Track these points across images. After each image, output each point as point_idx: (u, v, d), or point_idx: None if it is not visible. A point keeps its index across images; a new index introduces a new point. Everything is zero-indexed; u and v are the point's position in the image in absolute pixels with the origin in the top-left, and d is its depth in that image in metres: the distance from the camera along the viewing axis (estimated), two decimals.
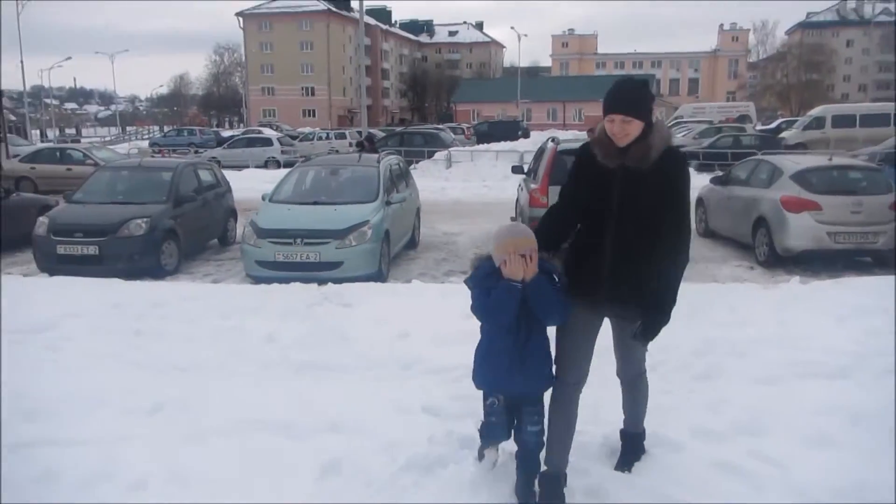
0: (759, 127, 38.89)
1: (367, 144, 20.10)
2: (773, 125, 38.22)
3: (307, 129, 46.70)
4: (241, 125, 75.58)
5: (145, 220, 9.08)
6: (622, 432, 3.40)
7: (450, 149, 24.35)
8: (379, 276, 8.48)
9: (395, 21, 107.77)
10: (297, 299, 6.51)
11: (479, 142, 31.02)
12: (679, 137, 31.76)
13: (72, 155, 19.74)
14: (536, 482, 3.04)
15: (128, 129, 78.14)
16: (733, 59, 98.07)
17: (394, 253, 9.68)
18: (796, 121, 34.09)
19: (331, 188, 9.79)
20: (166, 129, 56.48)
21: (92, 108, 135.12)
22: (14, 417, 3.83)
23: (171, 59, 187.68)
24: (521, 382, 2.91)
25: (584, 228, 3.02)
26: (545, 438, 3.02)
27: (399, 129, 39.23)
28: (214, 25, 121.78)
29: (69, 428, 3.77)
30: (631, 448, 3.36)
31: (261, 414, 3.83)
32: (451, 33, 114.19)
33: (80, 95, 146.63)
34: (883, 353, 4.64)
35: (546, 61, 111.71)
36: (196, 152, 33.17)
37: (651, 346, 3.08)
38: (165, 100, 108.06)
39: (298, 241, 8.33)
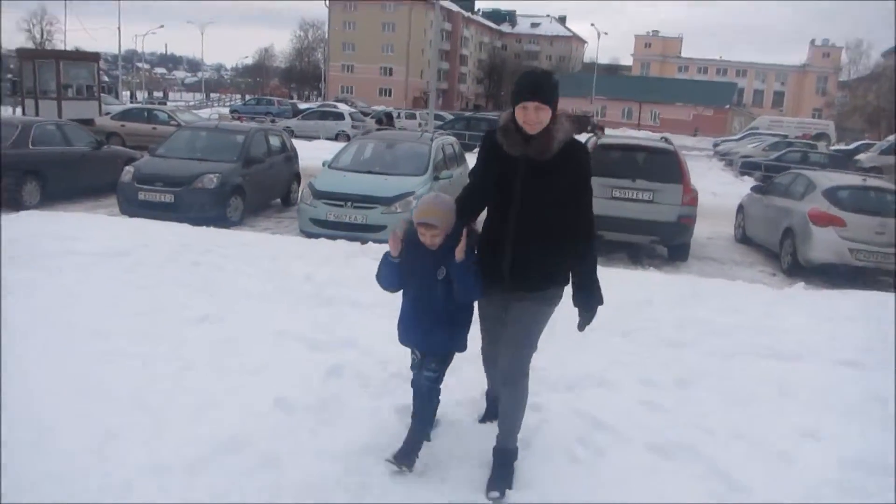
0: (836, 147, 37.94)
1: (386, 120, 21.31)
2: (853, 146, 37.19)
3: (380, 108, 47.79)
4: (320, 99, 77.52)
5: (217, 175, 10.10)
6: (494, 449, 3.17)
7: None
8: None
9: (478, 9, 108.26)
10: (339, 251, 7.37)
11: None
12: (749, 148, 31.52)
13: (157, 115, 21.22)
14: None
15: (211, 95, 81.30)
16: (822, 75, 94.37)
17: None
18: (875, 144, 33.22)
19: (384, 160, 10.61)
20: (247, 97, 58.70)
21: (180, 74, 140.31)
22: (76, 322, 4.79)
23: (258, 31, 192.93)
24: (419, 339, 3.21)
25: (489, 214, 3.12)
26: (434, 410, 3.28)
27: (468, 113, 39.87)
28: (302, 3, 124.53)
29: (136, 328, 4.68)
30: (500, 470, 3.11)
31: (288, 328, 4.69)
32: (534, 25, 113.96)
33: (170, 61, 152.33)
34: (846, 348, 5.12)
35: (627, 60, 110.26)
36: (272, 121, 34.65)
37: (631, 316, 3.55)
38: (250, 70, 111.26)
39: (349, 203, 9.20)
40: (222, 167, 10.38)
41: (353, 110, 36.62)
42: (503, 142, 2.98)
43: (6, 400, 3.38)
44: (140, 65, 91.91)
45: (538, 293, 3.03)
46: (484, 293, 3.10)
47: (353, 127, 29.33)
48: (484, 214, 3.19)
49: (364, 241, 8.11)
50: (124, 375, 3.90)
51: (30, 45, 67.56)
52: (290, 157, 12.82)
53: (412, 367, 3.31)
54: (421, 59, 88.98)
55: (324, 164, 10.61)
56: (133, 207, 9.92)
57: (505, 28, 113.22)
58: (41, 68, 21.19)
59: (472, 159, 15.36)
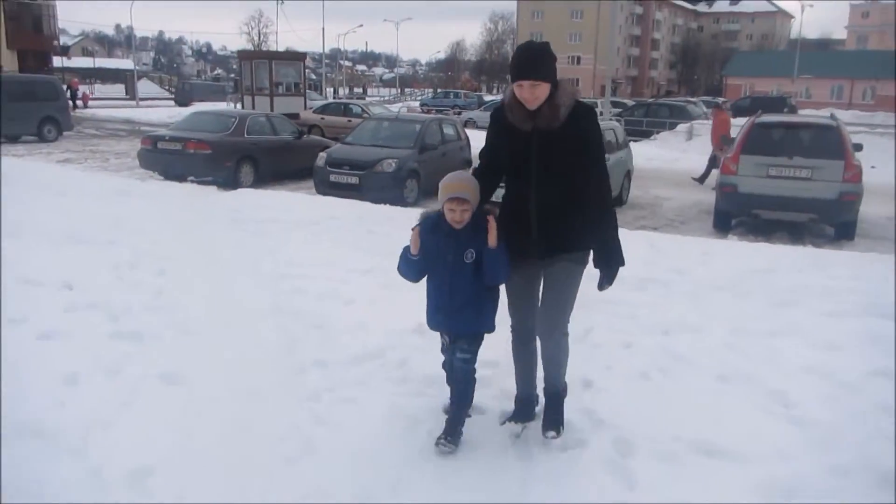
0: None
1: None
2: None
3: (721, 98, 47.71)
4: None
5: (395, 160, 11.43)
6: (544, 391, 3.42)
7: (693, 122, 24.35)
8: None
9: None
10: None
11: (736, 116, 30.16)
12: None
13: (352, 109, 23.41)
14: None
15: (405, 90, 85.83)
16: None
17: None
18: None
19: None
20: (438, 91, 61.48)
21: (378, 70, 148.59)
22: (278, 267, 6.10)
23: (451, 26, 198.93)
24: (448, 323, 3.20)
25: (508, 190, 3.18)
26: (470, 392, 3.27)
27: (649, 100, 39.10)
28: None
29: (315, 274, 5.90)
30: (552, 412, 3.34)
31: None
32: (733, 2, 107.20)
33: (370, 58, 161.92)
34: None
35: (840, 33, 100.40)
36: (457, 113, 36.44)
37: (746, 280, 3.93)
38: (442, 64, 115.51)
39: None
40: (400, 153, 11.70)
41: None
42: (511, 118, 3.03)
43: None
44: (343, 62, 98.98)
45: (569, 255, 3.10)
46: (514, 267, 3.13)
47: None
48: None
49: None
50: (301, 300, 5.11)
51: (249, 46, 75.53)
52: (463, 145, 13.94)
53: (442, 351, 3.35)
54: (611, 46, 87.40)
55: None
56: (325, 188, 11.53)
57: (701, 8, 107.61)
58: (257, 68, 24.25)
59: (648, 145, 15.94)
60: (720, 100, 30.15)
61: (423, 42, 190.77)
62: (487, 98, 49.07)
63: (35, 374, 3.68)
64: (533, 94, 2.92)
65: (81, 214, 8.00)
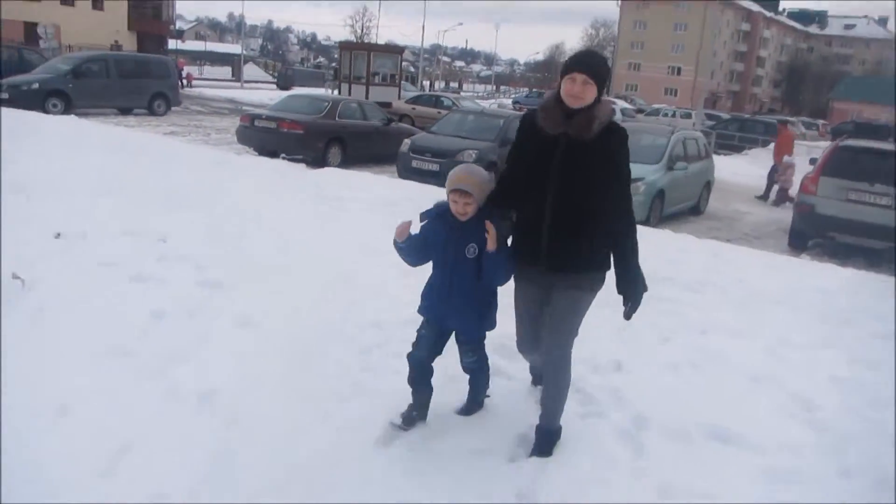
0: None
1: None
2: None
3: (658, 105, 47.22)
4: (606, 95, 77.87)
5: (475, 151, 11.78)
6: (537, 428, 3.18)
7: None
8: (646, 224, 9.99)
9: (783, 9, 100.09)
10: None
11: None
12: None
13: (443, 101, 23.92)
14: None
15: (501, 87, 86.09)
16: None
17: (669, 212, 11.01)
18: None
19: None
20: (533, 90, 61.51)
21: (476, 67, 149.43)
22: (353, 238, 6.52)
23: (551, 29, 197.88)
24: (443, 315, 3.15)
25: (525, 195, 3.01)
26: (486, 380, 3.36)
27: (745, 116, 38.06)
28: (596, 2, 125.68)
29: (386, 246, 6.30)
30: (543, 447, 3.12)
31: None
32: (847, 27, 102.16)
33: (469, 55, 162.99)
34: None
35: None
36: None
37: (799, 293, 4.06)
38: (540, 65, 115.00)
39: None
40: (481, 145, 12.04)
41: (629, 107, 37.01)
42: (543, 120, 2.91)
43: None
44: (442, 58, 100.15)
45: (576, 276, 3.00)
46: (521, 275, 3.11)
47: (622, 122, 29.82)
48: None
49: None
50: (368, 268, 5.51)
51: (351, 38, 77.47)
52: None
53: (421, 329, 3.25)
54: (712, 59, 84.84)
55: None
56: (407, 172, 12.01)
57: (813, 30, 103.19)
58: (356, 58, 25.10)
59: (738, 160, 15.78)
60: (789, 118, 29.11)
61: (523, 42, 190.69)
62: None
63: (124, 308, 4.21)
64: (583, 90, 2.81)
65: (181, 180, 8.71)
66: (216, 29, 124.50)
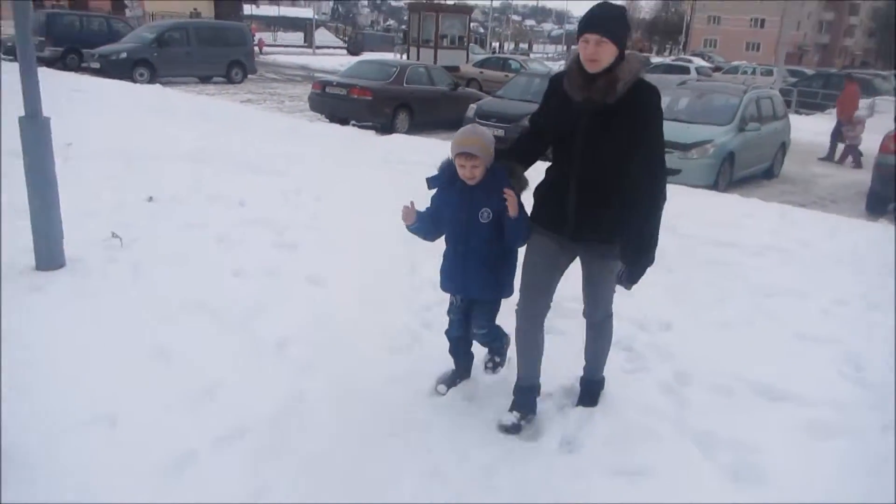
0: None
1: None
2: None
3: (737, 63, 45.41)
4: (682, 52, 75.62)
5: None
6: (581, 379, 3.32)
7: (876, 98, 22.51)
8: (714, 188, 9.90)
9: None
10: None
11: None
12: None
13: (511, 64, 23.77)
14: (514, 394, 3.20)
15: (571, 47, 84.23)
16: None
17: (741, 176, 10.82)
18: None
19: (693, 110, 11.22)
20: None
21: (547, 27, 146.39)
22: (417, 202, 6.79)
23: None
24: (462, 285, 3.09)
25: (553, 162, 2.95)
26: (502, 346, 3.25)
27: (832, 70, 36.27)
28: None
29: None
30: (587, 397, 3.27)
31: None
32: None
33: (540, 14, 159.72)
34: None
35: None
36: None
37: None
38: None
39: None
40: None
41: (704, 65, 35.79)
42: (567, 85, 2.78)
43: None
44: (512, 17, 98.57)
45: (606, 246, 2.90)
46: (538, 240, 2.97)
47: (696, 80, 28.95)
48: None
49: None
50: None
51: None
52: None
53: (450, 312, 3.26)
54: (801, 9, 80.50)
55: None
56: None
57: None
58: (424, 20, 25.13)
59: (819, 119, 15.27)
60: (881, 72, 27.49)
61: None
62: (654, 60, 47.38)
63: (211, 265, 4.61)
64: (596, 52, 2.63)
65: (257, 148, 9.16)
66: None
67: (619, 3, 2.87)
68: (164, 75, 19.58)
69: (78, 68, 20.61)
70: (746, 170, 10.99)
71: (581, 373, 3.32)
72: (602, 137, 2.72)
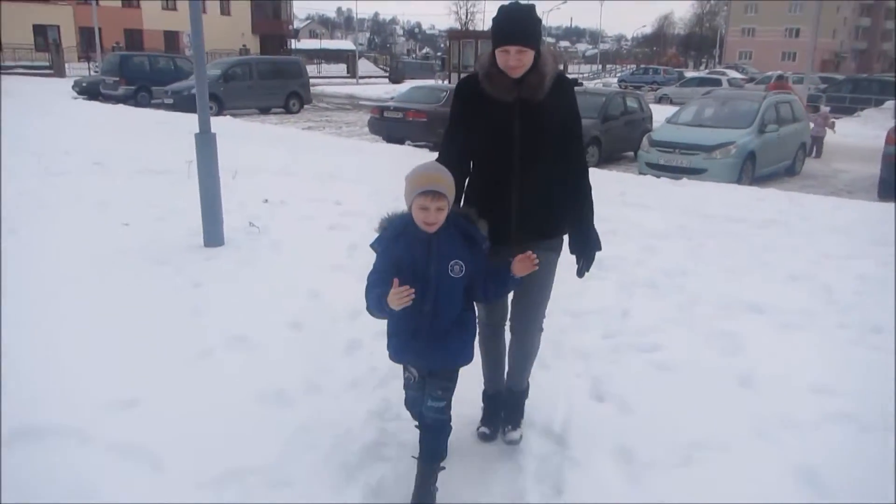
0: None
1: None
2: None
3: (771, 73, 46.10)
4: (717, 65, 76.28)
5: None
6: (504, 390, 3.18)
7: None
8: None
9: None
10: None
11: None
12: None
13: None
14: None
15: (607, 66, 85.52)
16: None
17: (763, 173, 11.97)
18: None
19: (717, 115, 12.49)
20: (640, 67, 61.18)
21: (581, 47, 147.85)
22: None
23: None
24: (426, 353, 2.57)
25: (480, 171, 2.81)
26: (448, 414, 2.68)
27: (863, 76, 36.84)
28: None
29: None
30: (511, 406, 3.16)
31: None
32: None
33: (574, 34, 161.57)
34: None
35: None
36: (653, 89, 36.85)
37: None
38: (648, 40, 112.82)
39: (677, 150, 11.46)
40: (586, 122, 13.34)
41: (736, 76, 36.75)
42: (490, 88, 2.70)
43: None
44: (547, 38, 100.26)
45: (548, 242, 2.86)
46: None
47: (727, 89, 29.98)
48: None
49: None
50: None
51: (456, 25, 79.33)
52: (644, 116, 15.31)
53: (407, 388, 2.74)
54: (834, 16, 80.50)
55: (665, 121, 12.94)
56: None
57: None
58: (464, 47, 26.79)
59: (848, 122, 16.48)
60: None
61: (631, 16, 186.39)
62: (689, 74, 48.38)
63: (332, 241, 6.05)
64: (520, 60, 2.62)
65: (332, 162, 10.70)
66: (327, 25, 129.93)
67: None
68: (229, 107, 21.44)
69: (148, 104, 22.71)
70: (768, 167, 12.15)
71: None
72: (536, 132, 2.71)
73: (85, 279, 4.87)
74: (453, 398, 2.68)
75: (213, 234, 5.85)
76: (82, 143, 11.36)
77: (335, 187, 8.60)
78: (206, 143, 5.76)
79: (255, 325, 4.16)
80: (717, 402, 3.41)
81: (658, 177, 10.86)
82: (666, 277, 5.35)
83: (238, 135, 13.45)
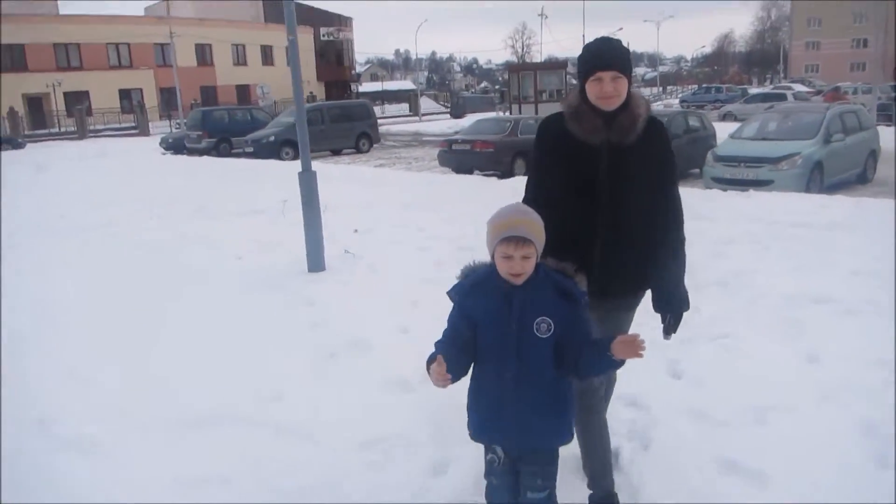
0: None
1: None
2: None
3: (838, 84, 45.17)
4: (782, 80, 74.98)
5: None
6: (590, 497, 2.81)
7: None
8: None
9: None
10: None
11: None
12: None
13: None
14: None
15: (668, 88, 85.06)
16: None
17: (833, 182, 12.05)
18: None
19: (780, 128, 12.70)
20: (701, 86, 60.78)
21: (640, 70, 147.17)
22: None
23: (718, 18, 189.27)
24: (505, 428, 2.23)
25: (563, 217, 2.47)
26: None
27: None
28: None
29: None
30: None
31: None
32: None
33: (634, 59, 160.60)
34: None
35: None
36: (716, 108, 36.74)
37: None
38: (709, 59, 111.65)
39: (742, 164, 11.72)
40: None
41: (802, 89, 36.30)
42: (576, 129, 2.52)
43: None
44: None
45: (631, 299, 2.72)
46: None
47: (793, 102, 29.68)
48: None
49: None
50: None
51: (513, 58, 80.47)
52: (707, 134, 15.56)
53: (490, 475, 2.35)
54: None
55: (728, 136, 13.23)
56: None
57: None
58: (523, 79, 27.52)
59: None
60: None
61: (689, 37, 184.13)
62: (752, 91, 47.84)
63: (420, 261, 6.68)
64: (616, 88, 2.45)
65: (409, 194, 11.43)
66: (387, 67, 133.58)
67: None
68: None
69: (229, 154, 24.19)
70: (836, 176, 12.22)
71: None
72: (625, 180, 2.52)
73: (224, 304, 5.65)
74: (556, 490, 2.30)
75: (316, 261, 6.56)
76: (181, 193, 12.47)
77: (415, 216, 9.27)
78: (307, 180, 6.56)
79: (369, 331, 4.79)
80: (785, 375, 3.82)
81: (725, 190, 11.13)
82: (734, 277, 5.73)
83: (319, 175, 14.37)
